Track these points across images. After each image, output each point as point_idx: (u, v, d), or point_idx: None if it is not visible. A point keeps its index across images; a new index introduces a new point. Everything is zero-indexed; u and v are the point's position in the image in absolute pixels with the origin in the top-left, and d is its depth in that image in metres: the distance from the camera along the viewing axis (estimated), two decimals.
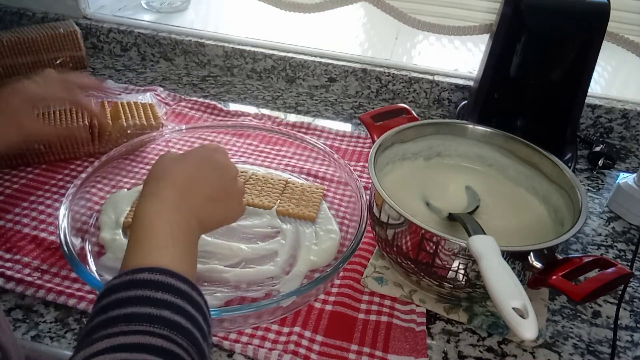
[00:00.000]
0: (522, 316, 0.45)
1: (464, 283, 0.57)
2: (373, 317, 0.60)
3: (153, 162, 0.80)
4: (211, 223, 0.50)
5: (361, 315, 0.60)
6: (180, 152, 0.53)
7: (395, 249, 0.60)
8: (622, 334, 0.61)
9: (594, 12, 0.77)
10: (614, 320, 0.61)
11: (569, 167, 0.72)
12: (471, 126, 0.72)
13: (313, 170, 0.82)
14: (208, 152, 0.52)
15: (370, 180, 0.60)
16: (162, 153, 0.53)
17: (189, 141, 0.86)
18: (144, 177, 0.77)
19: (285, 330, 0.58)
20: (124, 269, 0.39)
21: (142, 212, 0.44)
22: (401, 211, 0.56)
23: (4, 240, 0.66)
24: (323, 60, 1.05)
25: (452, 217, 0.61)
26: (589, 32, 0.79)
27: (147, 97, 0.94)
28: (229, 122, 0.91)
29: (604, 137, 0.98)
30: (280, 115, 0.98)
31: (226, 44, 1.08)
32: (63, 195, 0.73)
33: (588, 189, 0.85)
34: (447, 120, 0.95)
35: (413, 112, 0.73)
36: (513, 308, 0.46)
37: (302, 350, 0.55)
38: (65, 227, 0.60)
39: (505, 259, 0.50)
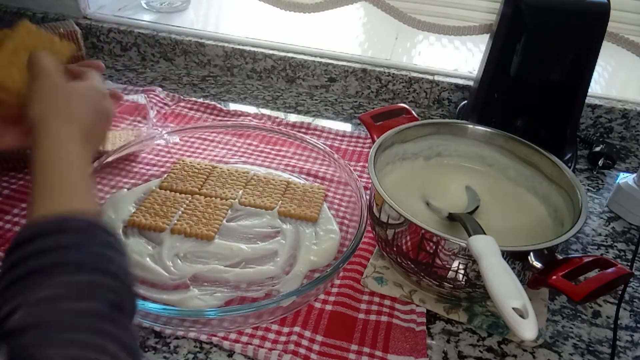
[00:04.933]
0: (522, 316, 0.45)
1: (464, 283, 0.57)
2: (373, 317, 0.60)
3: (153, 162, 0.81)
4: (93, 145, 0.52)
5: (361, 315, 0.60)
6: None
7: (395, 249, 0.60)
8: (622, 334, 0.61)
9: (594, 12, 0.77)
10: (614, 320, 0.61)
11: (569, 167, 0.72)
12: (471, 126, 0.72)
13: (313, 170, 0.82)
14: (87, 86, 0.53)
15: (370, 180, 0.60)
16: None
17: (189, 141, 0.86)
18: (144, 177, 0.77)
19: (285, 330, 0.58)
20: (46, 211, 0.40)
21: (49, 152, 0.44)
22: (401, 211, 0.56)
23: (3, 242, 0.66)
24: (323, 60, 1.05)
25: (452, 217, 0.61)
26: (589, 32, 0.79)
27: (141, 98, 0.94)
28: (229, 122, 0.91)
29: (604, 137, 0.98)
30: (280, 115, 0.98)
31: (226, 44, 1.08)
32: None
33: (588, 189, 0.85)
34: (447, 120, 0.95)
35: (413, 112, 0.73)
36: (513, 308, 0.46)
37: (302, 350, 0.55)
38: None
39: (505, 259, 0.50)
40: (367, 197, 0.67)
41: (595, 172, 0.89)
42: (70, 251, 0.37)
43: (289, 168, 0.82)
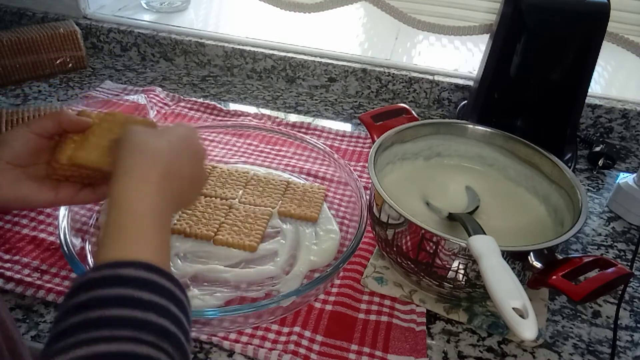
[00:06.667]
0: (522, 316, 0.45)
1: (464, 283, 0.57)
2: (373, 317, 0.60)
3: None
4: (180, 206, 0.48)
5: (361, 315, 0.60)
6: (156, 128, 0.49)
7: (395, 249, 0.60)
8: (622, 334, 0.61)
9: (594, 12, 0.77)
10: (614, 320, 0.61)
11: (569, 167, 0.72)
12: (471, 126, 0.72)
13: (313, 170, 0.82)
14: (187, 132, 0.48)
15: (370, 180, 0.60)
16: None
17: None
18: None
19: (285, 330, 0.58)
20: (103, 259, 0.35)
21: (124, 193, 0.39)
22: (401, 211, 0.56)
23: (3, 241, 0.66)
24: (323, 60, 1.05)
25: (452, 217, 0.61)
26: (589, 32, 0.79)
27: (141, 98, 0.94)
28: (229, 122, 0.90)
29: (604, 137, 0.98)
30: (280, 115, 0.98)
31: (226, 44, 1.08)
32: None
33: (588, 189, 0.85)
34: (447, 120, 0.95)
35: (413, 112, 0.73)
36: (513, 308, 0.46)
37: (302, 350, 0.55)
38: (65, 227, 0.60)
39: (505, 259, 0.50)
40: (367, 197, 0.67)
41: (595, 172, 0.89)
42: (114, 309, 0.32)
43: (289, 168, 0.82)
